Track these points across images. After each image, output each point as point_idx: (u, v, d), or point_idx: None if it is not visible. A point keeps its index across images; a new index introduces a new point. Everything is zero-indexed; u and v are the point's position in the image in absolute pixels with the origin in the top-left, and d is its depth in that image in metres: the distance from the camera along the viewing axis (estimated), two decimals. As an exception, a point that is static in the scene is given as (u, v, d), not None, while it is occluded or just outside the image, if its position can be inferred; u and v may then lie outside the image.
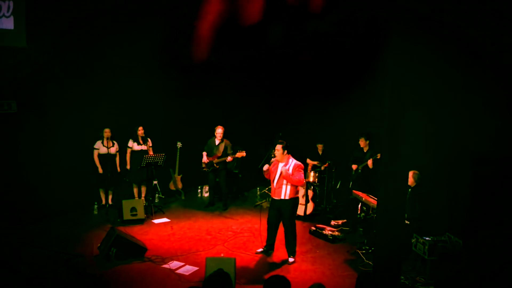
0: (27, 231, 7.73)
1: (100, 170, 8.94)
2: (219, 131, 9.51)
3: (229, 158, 9.39)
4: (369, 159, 8.43)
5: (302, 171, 6.92)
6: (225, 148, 9.46)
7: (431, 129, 7.33)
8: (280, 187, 6.86)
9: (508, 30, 5.69)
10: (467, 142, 6.76)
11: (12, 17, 7.87)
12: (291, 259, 6.96)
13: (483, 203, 6.43)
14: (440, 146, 7.25)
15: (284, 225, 7.01)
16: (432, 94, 7.08)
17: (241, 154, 9.32)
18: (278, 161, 6.94)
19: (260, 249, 7.28)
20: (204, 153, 9.65)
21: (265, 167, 7.05)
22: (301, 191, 9.19)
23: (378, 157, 8.03)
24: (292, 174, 6.78)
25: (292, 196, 6.86)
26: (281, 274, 3.83)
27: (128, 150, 9.32)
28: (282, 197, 6.86)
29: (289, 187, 6.83)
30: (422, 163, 7.24)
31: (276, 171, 6.93)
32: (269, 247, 7.23)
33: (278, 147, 6.88)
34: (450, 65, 6.74)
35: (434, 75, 6.92)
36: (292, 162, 6.91)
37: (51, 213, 8.54)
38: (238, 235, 8.05)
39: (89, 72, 9.01)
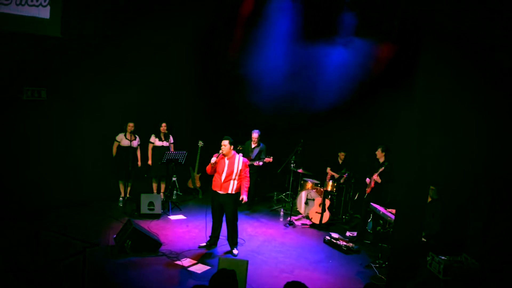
0: (46, 219, 7.83)
1: (114, 153, 8.97)
2: (254, 135, 9.60)
3: (256, 163, 9.46)
4: (378, 171, 8.24)
5: (248, 167, 7.20)
6: (259, 152, 9.57)
7: (450, 146, 7.21)
8: (228, 182, 7.00)
9: None
10: (486, 161, 6.65)
11: (48, 7, 8.04)
12: (235, 251, 7.21)
13: (500, 224, 6.33)
14: (458, 164, 7.13)
15: (227, 219, 7.22)
16: (454, 111, 6.97)
17: (268, 160, 9.46)
18: (224, 156, 7.06)
19: (203, 243, 7.38)
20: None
21: (213, 159, 7.02)
22: (318, 200, 9.14)
23: (381, 170, 8.00)
24: (241, 171, 7.04)
25: (237, 190, 7.08)
26: (292, 280, 3.80)
27: (150, 145, 9.40)
28: (230, 192, 7.01)
29: (236, 182, 7.02)
30: (439, 180, 7.13)
31: (224, 166, 7.04)
32: (212, 241, 7.35)
33: (225, 142, 7.03)
34: (474, 84, 6.65)
35: (459, 91, 6.83)
36: (240, 157, 7.13)
37: (75, 202, 8.67)
38: (252, 238, 8.08)
39: (120, 65, 9.16)
